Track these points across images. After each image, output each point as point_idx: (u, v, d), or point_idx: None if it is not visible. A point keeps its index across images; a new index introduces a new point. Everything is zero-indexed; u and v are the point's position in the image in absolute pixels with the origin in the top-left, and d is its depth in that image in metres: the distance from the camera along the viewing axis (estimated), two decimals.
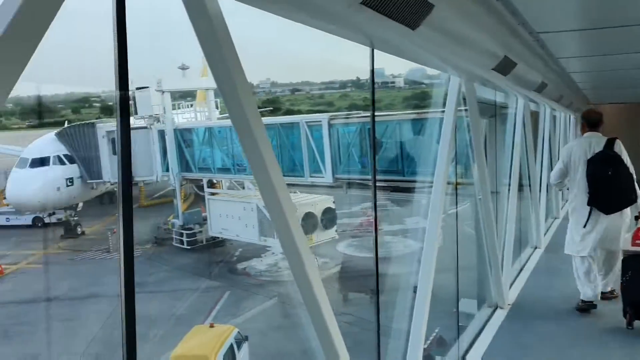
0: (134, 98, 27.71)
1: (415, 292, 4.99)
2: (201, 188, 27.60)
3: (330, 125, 20.55)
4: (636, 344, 5.98)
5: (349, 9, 2.25)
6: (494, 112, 9.25)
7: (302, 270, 2.67)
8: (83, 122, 27.68)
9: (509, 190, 8.46)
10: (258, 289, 22.03)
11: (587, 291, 6.76)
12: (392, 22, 2.46)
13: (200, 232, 26.42)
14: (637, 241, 6.29)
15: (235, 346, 14.32)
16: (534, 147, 10.24)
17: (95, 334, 17.85)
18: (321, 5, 2.26)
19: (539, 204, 10.48)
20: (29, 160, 25.09)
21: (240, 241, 24.62)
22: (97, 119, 29.28)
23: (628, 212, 6.68)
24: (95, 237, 27.32)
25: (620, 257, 6.53)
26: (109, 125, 25.94)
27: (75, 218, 27.26)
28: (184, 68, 30.36)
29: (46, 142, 26.43)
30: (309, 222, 21.03)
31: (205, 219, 26.04)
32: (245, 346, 14.93)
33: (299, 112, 41.47)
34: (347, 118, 22.54)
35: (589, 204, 6.57)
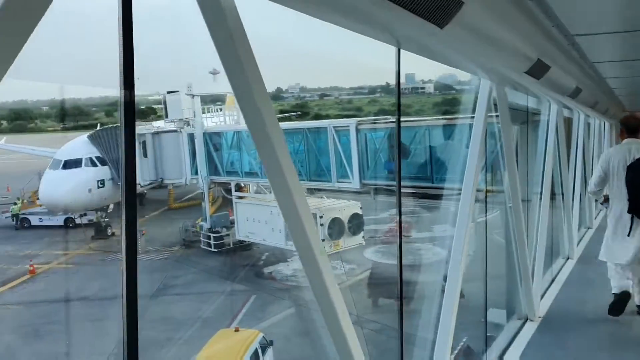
0: (164, 102, 28.15)
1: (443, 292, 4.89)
2: (229, 191, 27.78)
3: (357, 131, 20.44)
4: None
5: (374, 6, 2.17)
6: (526, 119, 9.06)
7: (318, 276, 2.61)
8: (114, 125, 28.15)
9: (540, 198, 8.26)
10: (284, 294, 22.03)
11: (621, 284, 6.58)
12: (419, 19, 2.36)
13: (228, 235, 26.60)
14: None
15: (260, 351, 14.31)
16: (567, 155, 10.00)
17: None
18: (345, 1, 2.18)
19: (572, 213, 10.21)
20: (62, 162, 25.63)
21: (266, 245, 24.68)
22: None
23: None
24: None
25: None
26: (139, 128, 26.33)
27: (106, 219, 27.72)
28: (214, 73, 30.67)
29: (78, 144, 26.99)
30: (335, 228, 20.91)
31: (232, 223, 26.20)
32: (270, 351, 14.90)
33: (327, 116, 41.47)
34: (375, 123, 22.39)
35: (629, 211, 6.37)
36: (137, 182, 27.05)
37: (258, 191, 28.07)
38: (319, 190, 23.10)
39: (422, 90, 50.99)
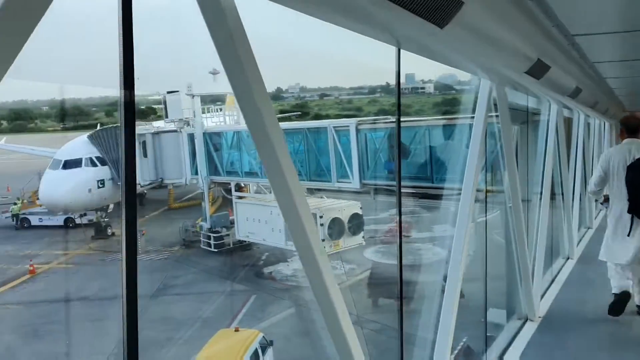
0: (164, 102, 28.15)
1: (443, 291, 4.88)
2: (229, 191, 27.78)
3: (357, 131, 20.43)
4: None
5: (374, 6, 2.17)
6: (526, 119, 9.05)
7: (318, 276, 2.61)
8: (114, 125, 28.15)
9: (540, 198, 8.25)
10: (284, 294, 22.02)
11: (621, 284, 6.57)
12: (418, 19, 2.36)
13: (228, 235, 26.60)
14: None
15: (260, 351, 14.30)
16: (567, 155, 9.99)
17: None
18: (345, 1, 2.18)
19: (572, 213, 10.20)
20: (62, 162, 25.62)
21: (266, 245, 24.68)
22: None
23: None
24: None
25: None
26: (139, 128, 26.32)
27: (106, 219, 27.72)
28: (214, 73, 30.68)
29: (78, 144, 26.99)
30: (335, 228, 20.90)
31: (232, 222, 26.20)
32: (270, 351, 14.90)
33: (327, 116, 41.45)
34: (375, 123, 22.38)
35: (629, 211, 6.37)
36: (137, 182, 27.04)
37: (258, 191, 28.07)
38: (319, 190, 23.09)
39: (422, 90, 50.95)
